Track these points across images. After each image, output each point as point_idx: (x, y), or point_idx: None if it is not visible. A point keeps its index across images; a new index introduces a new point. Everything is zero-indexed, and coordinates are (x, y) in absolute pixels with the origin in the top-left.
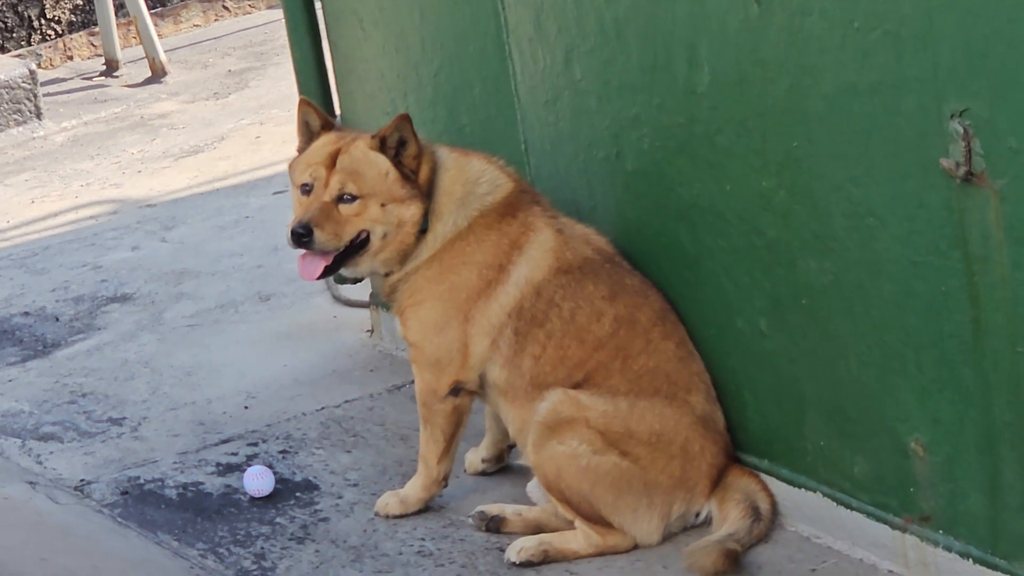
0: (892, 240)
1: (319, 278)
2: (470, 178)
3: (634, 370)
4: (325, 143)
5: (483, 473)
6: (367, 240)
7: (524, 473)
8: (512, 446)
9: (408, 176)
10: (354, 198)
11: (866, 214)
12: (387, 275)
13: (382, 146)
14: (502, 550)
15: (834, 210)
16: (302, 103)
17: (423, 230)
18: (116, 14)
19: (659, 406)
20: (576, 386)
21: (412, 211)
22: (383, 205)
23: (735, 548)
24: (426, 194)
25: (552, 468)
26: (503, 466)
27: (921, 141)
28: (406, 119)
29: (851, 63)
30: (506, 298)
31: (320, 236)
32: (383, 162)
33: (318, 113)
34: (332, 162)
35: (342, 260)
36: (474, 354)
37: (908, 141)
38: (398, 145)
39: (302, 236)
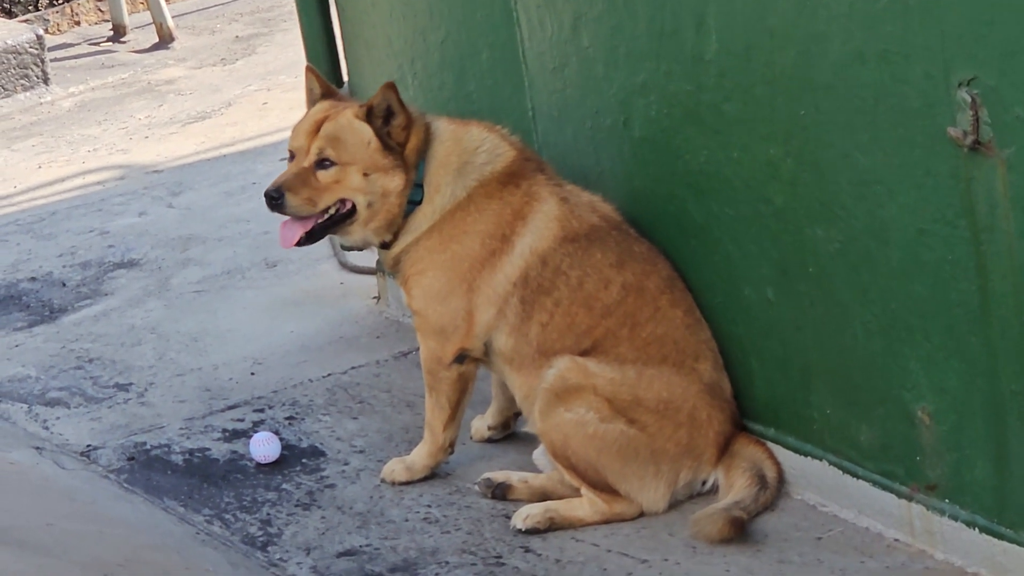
0: (899, 208)
1: (297, 245)
2: (467, 148)
3: (642, 337)
4: (316, 111)
5: (489, 440)
6: (353, 210)
7: (530, 440)
8: (518, 414)
9: (391, 147)
10: (332, 164)
11: (873, 182)
12: (387, 247)
13: (369, 115)
14: (508, 517)
15: (841, 178)
16: (307, 70)
17: (415, 201)
18: None
19: (667, 374)
20: (584, 353)
21: (396, 182)
22: (366, 175)
23: (741, 516)
24: (416, 165)
25: (559, 435)
26: (509, 433)
27: (928, 110)
28: (391, 88)
29: (859, 31)
30: (511, 268)
31: (292, 200)
32: (366, 131)
33: (319, 81)
34: (317, 129)
35: (325, 229)
36: (479, 323)
37: (915, 110)
38: (385, 115)
39: (274, 199)
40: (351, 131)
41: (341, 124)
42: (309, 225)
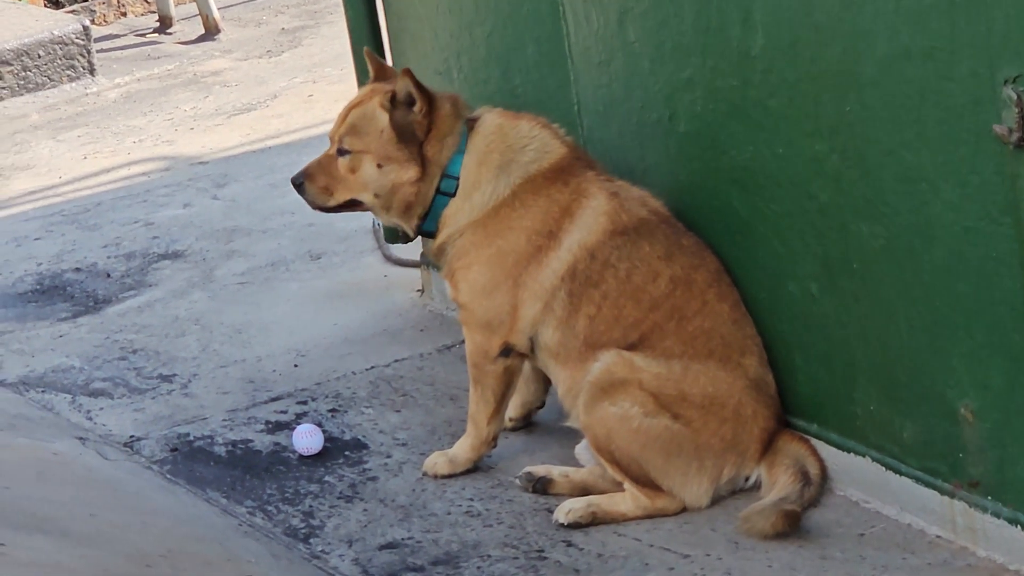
0: (944, 205)
1: (319, 210)
2: (513, 145)
3: (689, 331)
4: (356, 96)
5: (504, 429)
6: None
7: (572, 435)
8: (540, 407)
9: (407, 137)
10: (349, 152)
11: (918, 179)
12: (430, 235)
13: (392, 102)
14: (550, 511)
15: (886, 175)
16: (365, 53)
17: (447, 193)
18: None
19: (713, 369)
20: (631, 347)
21: (409, 174)
22: (379, 166)
23: (795, 509)
24: (448, 157)
25: (603, 429)
26: (528, 424)
27: (974, 107)
28: (407, 74)
29: (905, 28)
30: (558, 263)
31: (311, 188)
32: (382, 119)
33: (373, 62)
34: (348, 115)
35: (345, 206)
36: (524, 317)
37: (961, 107)
38: (408, 101)
39: (297, 185)
40: (369, 119)
41: (362, 112)
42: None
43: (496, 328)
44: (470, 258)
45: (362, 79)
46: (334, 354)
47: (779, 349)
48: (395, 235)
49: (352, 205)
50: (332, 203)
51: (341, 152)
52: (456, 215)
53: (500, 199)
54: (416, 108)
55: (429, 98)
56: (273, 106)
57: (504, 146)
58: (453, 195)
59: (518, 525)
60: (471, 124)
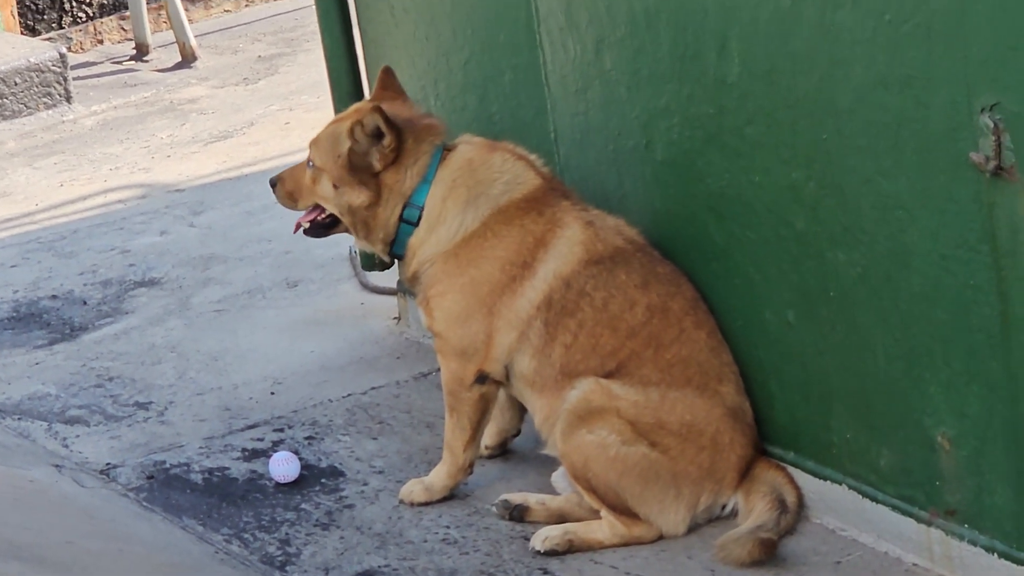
0: (921, 233)
1: (300, 232)
2: (483, 179)
3: (666, 359)
4: (348, 109)
5: (479, 457)
6: (335, 217)
7: (549, 462)
8: (515, 435)
9: (358, 167)
10: (313, 166)
11: (895, 207)
12: (402, 259)
13: (352, 132)
14: (526, 539)
15: (863, 202)
16: (382, 69)
17: (410, 222)
18: None
19: (690, 396)
20: (608, 375)
21: (361, 199)
22: (335, 186)
23: (771, 537)
24: (413, 187)
25: (580, 457)
26: (504, 451)
27: (951, 135)
28: (376, 111)
29: (882, 56)
30: (533, 292)
31: (279, 191)
32: (344, 145)
33: (379, 81)
34: (326, 128)
35: (322, 227)
36: (499, 346)
37: (938, 135)
38: (376, 133)
39: (273, 186)
40: (334, 141)
41: (334, 131)
42: (309, 218)
43: (471, 356)
44: (444, 286)
45: (339, 107)
46: (311, 382)
47: (756, 377)
48: (372, 263)
49: (335, 224)
50: (298, 208)
51: (309, 163)
52: (423, 245)
53: (469, 231)
54: (385, 142)
55: (397, 131)
56: (250, 133)
57: (473, 180)
58: (416, 224)
59: (495, 553)
60: (447, 152)
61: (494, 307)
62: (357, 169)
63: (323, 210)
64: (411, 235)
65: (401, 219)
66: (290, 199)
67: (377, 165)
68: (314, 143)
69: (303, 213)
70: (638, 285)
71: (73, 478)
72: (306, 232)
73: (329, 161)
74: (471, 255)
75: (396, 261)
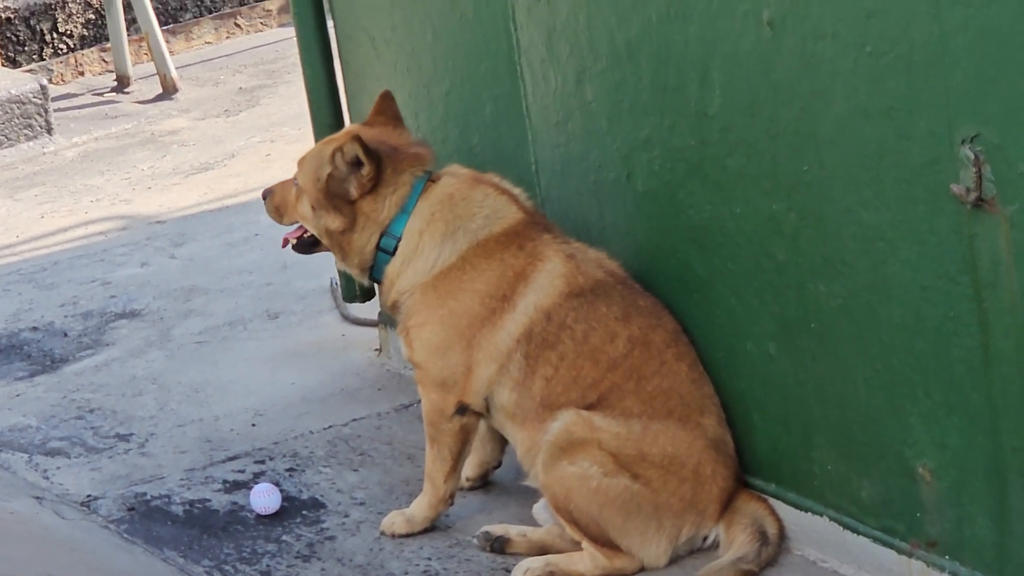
0: (902, 264)
1: (288, 247)
2: (461, 214)
3: (648, 391)
4: (340, 132)
5: (461, 489)
6: (316, 238)
7: (530, 494)
8: (496, 466)
9: (337, 194)
10: (297, 185)
11: (876, 238)
12: (382, 286)
13: (335, 157)
14: (508, 571)
15: (844, 233)
16: (381, 94)
17: (387, 251)
18: (128, 30)
19: (672, 428)
20: (590, 407)
21: (336, 224)
22: (313, 208)
23: (752, 569)
24: (391, 216)
25: (561, 489)
26: (485, 483)
27: (932, 166)
28: (355, 139)
29: (863, 87)
30: (513, 326)
31: (267, 205)
32: (323, 169)
33: (375, 105)
34: (315, 149)
35: (307, 245)
36: (479, 378)
37: (919, 166)
38: (355, 161)
39: (264, 199)
40: (317, 164)
41: (319, 153)
42: (296, 235)
43: (451, 387)
44: (423, 317)
45: (320, 139)
46: (292, 413)
47: (737, 408)
48: (353, 294)
49: (319, 243)
50: (283, 222)
51: (296, 180)
52: (400, 276)
53: (447, 264)
54: (363, 171)
55: (377, 160)
56: (231, 165)
57: (452, 215)
58: (393, 254)
59: None
60: (431, 183)
61: (473, 339)
62: (334, 195)
63: (304, 230)
64: (388, 264)
65: (378, 248)
66: (276, 213)
67: (354, 193)
68: (301, 162)
69: (290, 229)
70: (619, 318)
71: (54, 510)
72: (294, 248)
73: (309, 183)
74: (450, 287)
75: (377, 288)
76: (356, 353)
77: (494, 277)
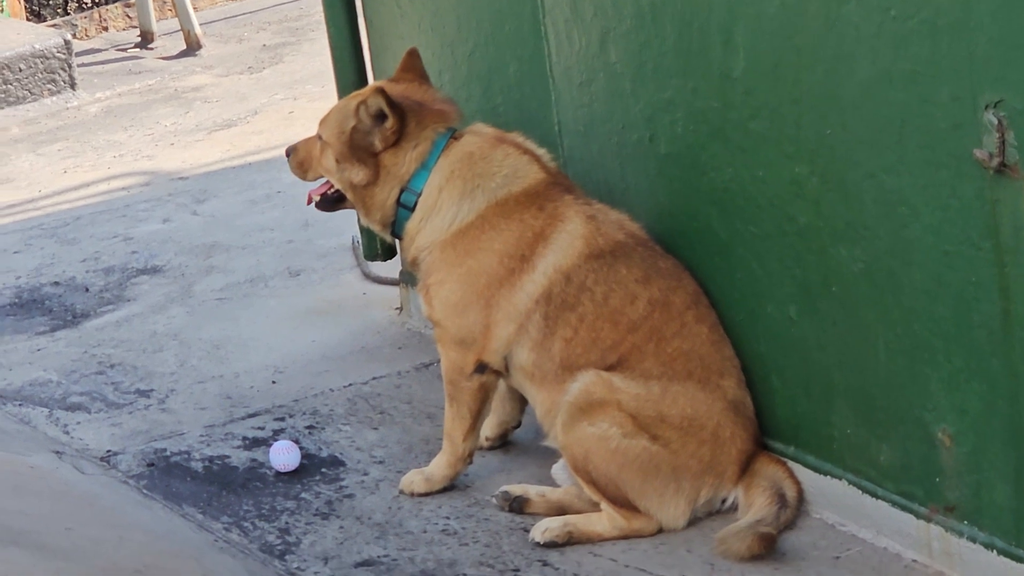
0: (924, 229)
1: (312, 205)
2: (481, 172)
3: (668, 353)
4: (365, 88)
5: (480, 449)
6: (342, 193)
7: (549, 454)
8: (516, 427)
9: (362, 146)
10: (321, 139)
11: (898, 203)
12: (402, 242)
13: (359, 110)
14: (526, 530)
15: (866, 198)
16: (408, 51)
17: (407, 207)
18: None
19: (692, 390)
20: (609, 368)
21: (359, 176)
22: (337, 161)
23: (770, 532)
24: (412, 171)
25: (580, 449)
26: (504, 443)
27: (955, 131)
28: (379, 92)
29: (887, 51)
30: (533, 287)
31: (291, 161)
32: (348, 122)
33: (401, 62)
34: (340, 103)
35: (332, 202)
36: (497, 337)
37: (942, 131)
38: (378, 114)
39: (288, 155)
40: (343, 117)
41: (344, 107)
42: (320, 191)
43: (469, 346)
44: (442, 275)
45: (343, 96)
46: (312, 371)
47: (757, 371)
48: (374, 252)
49: (344, 199)
50: (307, 178)
51: (319, 136)
52: (420, 232)
53: (465, 223)
54: (387, 124)
55: (401, 114)
56: (254, 122)
57: (471, 173)
58: (413, 210)
59: (494, 544)
60: (454, 140)
61: (491, 299)
62: (358, 148)
63: (332, 183)
64: (408, 220)
65: (399, 203)
66: (300, 169)
67: (378, 146)
68: (324, 118)
69: (315, 185)
70: (639, 279)
71: (73, 465)
72: (317, 205)
73: (334, 136)
74: (468, 246)
75: (398, 244)
76: (377, 311)
77: (513, 237)
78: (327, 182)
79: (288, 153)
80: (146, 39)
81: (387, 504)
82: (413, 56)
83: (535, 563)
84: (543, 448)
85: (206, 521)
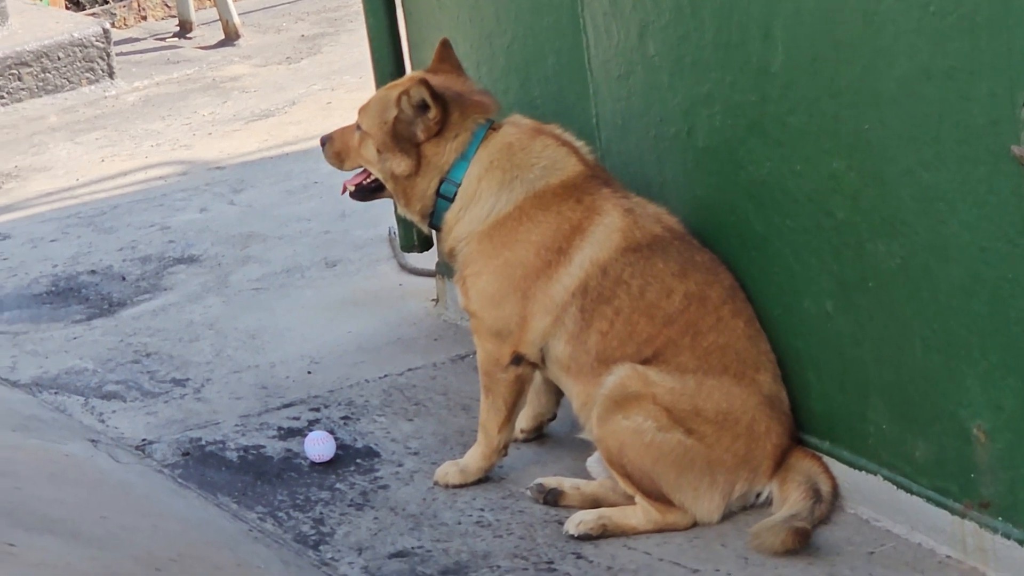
0: (961, 225)
1: (347, 195)
2: (520, 163)
3: (703, 347)
4: (404, 77)
5: (515, 441)
6: (380, 183)
7: (584, 447)
8: (551, 419)
9: (404, 137)
10: (360, 129)
11: (936, 198)
12: (440, 232)
13: (401, 101)
14: (560, 523)
15: (904, 193)
16: (441, 41)
17: (446, 197)
18: None
19: (727, 384)
20: (645, 362)
21: (402, 167)
22: (379, 151)
23: (805, 526)
24: (451, 162)
25: (615, 442)
26: (540, 435)
27: (993, 127)
28: (422, 83)
29: (925, 47)
30: (569, 279)
31: (327, 151)
32: (391, 113)
33: (436, 53)
34: (379, 93)
35: (368, 191)
36: (534, 329)
37: (980, 127)
38: (421, 105)
39: (323, 145)
40: (383, 107)
41: (384, 96)
42: (356, 181)
43: (505, 337)
44: (479, 266)
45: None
46: (348, 362)
47: (793, 366)
48: (411, 244)
49: (380, 189)
50: (344, 168)
51: (358, 126)
52: (458, 223)
53: (503, 214)
54: (430, 115)
55: (443, 105)
56: (291, 112)
57: (510, 164)
58: (452, 200)
59: (528, 536)
60: (492, 131)
61: (528, 291)
62: (400, 137)
63: (369, 173)
64: (447, 210)
65: (438, 193)
66: (337, 159)
67: (420, 136)
68: (364, 107)
69: (350, 176)
70: (676, 273)
71: (109, 453)
72: (352, 195)
73: (375, 126)
74: (505, 238)
75: (436, 235)
76: (413, 303)
77: (550, 229)
78: (363, 171)
79: (323, 142)
80: (185, 29)
81: (421, 495)
82: (447, 47)
83: (569, 556)
84: (578, 441)
85: (240, 511)
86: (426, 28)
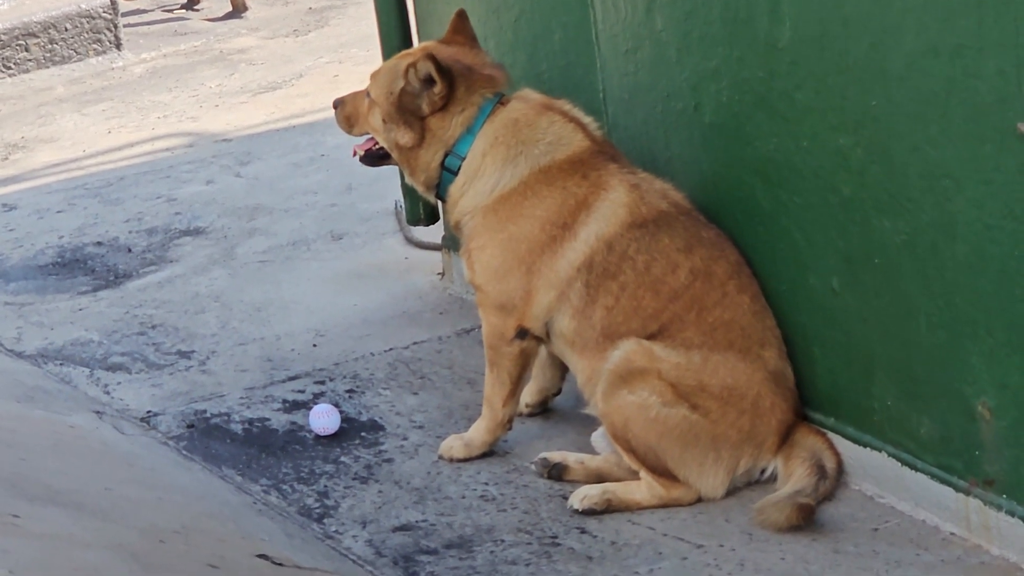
0: (967, 203)
1: (356, 157)
2: (525, 139)
3: (709, 322)
4: (415, 47)
5: (519, 415)
6: (386, 151)
7: (589, 422)
8: (556, 394)
9: (409, 109)
10: (369, 96)
11: (942, 175)
12: (447, 204)
13: (408, 73)
14: (564, 497)
15: (910, 170)
16: (456, 12)
17: (451, 170)
18: None
19: (732, 360)
20: (650, 337)
21: (405, 138)
22: (384, 121)
23: (809, 503)
24: (458, 136)
25: (620, 417)
26: (544, 410)
27: (1000, 105)
28: (428, 57)
29: (933, 24)
30: (574, 254)
31: (338, 114)
32: (398, 84)
33: (450, 24)
34: (391, 62)
35: (376, 157)
36: (538, 304)
37: (986, 104)
38: (427, 79)
39: (335, 108)
40: (392, 77)
41: (394, 66)
42: (365, 147)
43: (510, 311)
44: (483, 240)
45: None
46: (353, 335)
47: (798, 342)
48: (417, 217)
49: (388, 156)
50: (353, 133)
51: (368, 92)
52: (463, 196)
53: (507, 189)
54: (436, 89)
55: (450, 79)
56: (298, 85)
57: (515, 139)
58: (456, 173)
59: (532, 511)
60: (500, 106)
61: (533, 265)
62: (405, 110)
63: (374, 142)
64: (452, 183)
65: (443, 166)
66: (347, 123)
67: (425, 109)
68: (374, 75)
69: (360, 141)
70: (681, 249)
71: (113, 425)
72: (361, 160)
73: (382, 96)
74: (510, 212)
75: (441, 207)
76: (419, 276)
77: (555, 204)
78: (372, 138)
79: (336, 105)
80: (192, 0)
81: (426, 469)
82: (462, 18)
83: (573, 530)
84: (583, 415)
85: (245, 483)
86: (434, 2)
